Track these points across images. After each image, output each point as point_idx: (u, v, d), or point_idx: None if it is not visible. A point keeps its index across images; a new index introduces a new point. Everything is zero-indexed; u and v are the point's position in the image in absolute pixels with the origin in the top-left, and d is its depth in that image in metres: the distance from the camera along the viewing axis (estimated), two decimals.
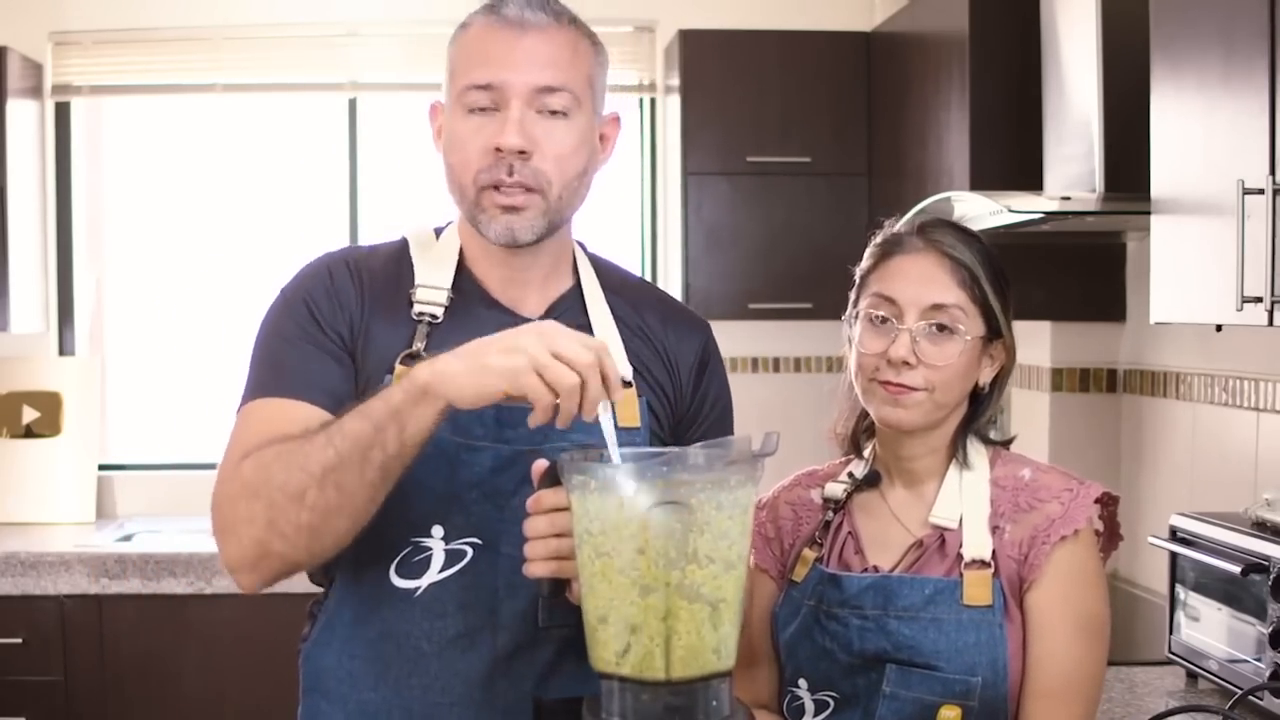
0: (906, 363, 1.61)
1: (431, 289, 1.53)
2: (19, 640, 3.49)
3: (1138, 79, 2.31)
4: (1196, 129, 2.12)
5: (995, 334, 1.67)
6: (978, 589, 1.60)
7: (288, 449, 1.36)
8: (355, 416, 1.34)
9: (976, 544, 1.62)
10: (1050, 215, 2.55)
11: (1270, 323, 1.86)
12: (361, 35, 4.16)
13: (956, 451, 1.68)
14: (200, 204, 4.27)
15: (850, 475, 1.75)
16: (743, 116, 3.84)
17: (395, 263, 1.56)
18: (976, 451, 1.69)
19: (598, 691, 1.27)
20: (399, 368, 1.48)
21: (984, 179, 2.98)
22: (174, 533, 3.86)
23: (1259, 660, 2.07)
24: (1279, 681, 2.01)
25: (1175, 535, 2.31)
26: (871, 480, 1.73)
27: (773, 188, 3.86)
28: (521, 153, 1.46)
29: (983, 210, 2.63)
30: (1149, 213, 2.27)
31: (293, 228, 4.23)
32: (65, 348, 4.20)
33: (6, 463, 4.05)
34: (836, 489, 1.74)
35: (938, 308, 1.63)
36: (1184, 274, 2.19)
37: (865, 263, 1.71)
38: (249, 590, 1.41)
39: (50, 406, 4.08)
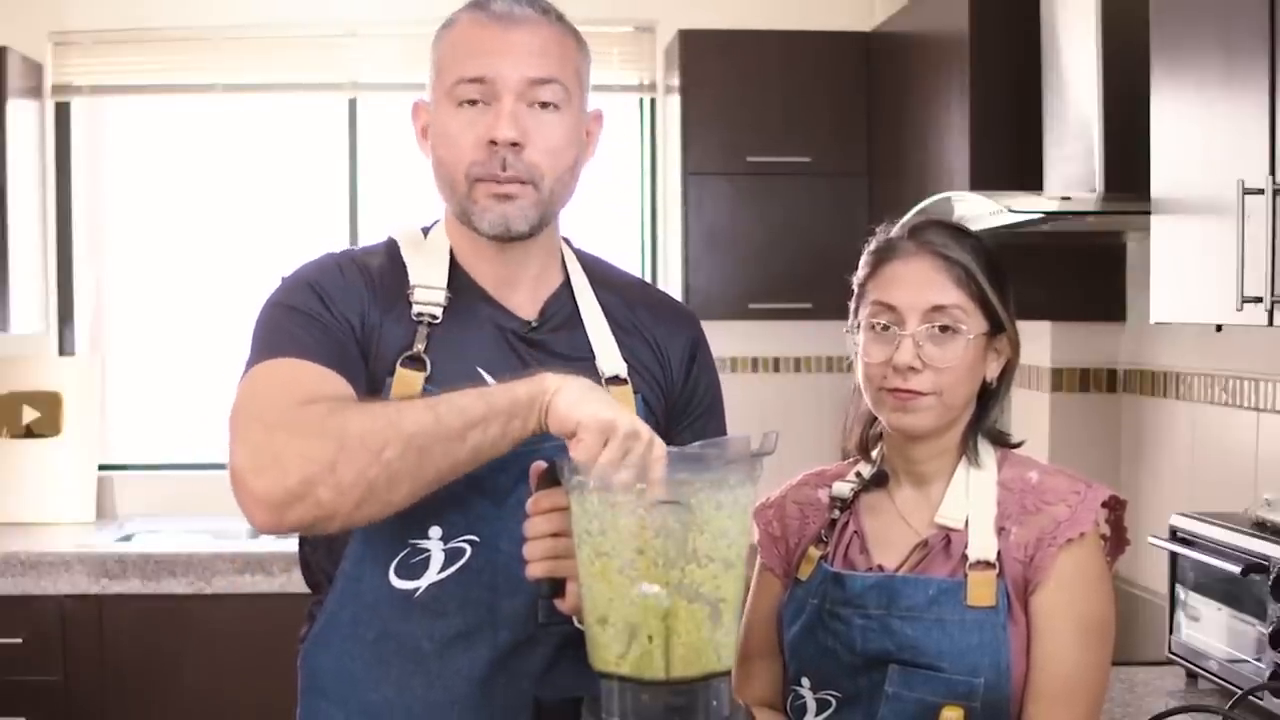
0: (912, 368, 1.61)
1: (429, 289, 1.52)
2: (19, 640, 3.49)
3: (1138, 79, 2.31)
4: (1196, 129, 2.12)
5: (997, 329, 1.66)
6: (982, 590, 1.59)
7: (374, 405, 1.35)
8: (466, 394, 1.33)
9: (981, 545, 1.62)
10: (1050, 215, 2.55)
11: (1270, 323, 1.86)
12: (361, 35, 4.16)
13: (966, 451, 1.68)
14: (200, 204, 4.27)
15: (858, 474, 1.76)
16: (743, 116, 3.84)
17: (391, 263, 1.55)
18: (986, 451, 1.69)
19: (597, 691, 1.27)
20: (400, 370, 1.47)
21: (984, 179, 2.98)
22: (174, 533, 3.87)
23: (1259, 660, 2.07)
24: (1279, 681, 2.01)
25: (1175, 535, 2.31)
26: (879, 480, 1.73)
27: (773, 188, 3.86)
28: (515, 145, 1.47)
29: (983, 210, 2.63)
30: (1149, 213, 2.27)
31: (293, 228, 4.23)
32: (65, 348, 4.21)
33: (6, 463, 4.05)
34: (844, 488, 1.75)
35: (938, 309, 1.62)
36: (1184, 274, 2.19)
37: (861, 271, 1.71)
38: (264, 529, 1.34)
39: (50, 406, 4.08)
